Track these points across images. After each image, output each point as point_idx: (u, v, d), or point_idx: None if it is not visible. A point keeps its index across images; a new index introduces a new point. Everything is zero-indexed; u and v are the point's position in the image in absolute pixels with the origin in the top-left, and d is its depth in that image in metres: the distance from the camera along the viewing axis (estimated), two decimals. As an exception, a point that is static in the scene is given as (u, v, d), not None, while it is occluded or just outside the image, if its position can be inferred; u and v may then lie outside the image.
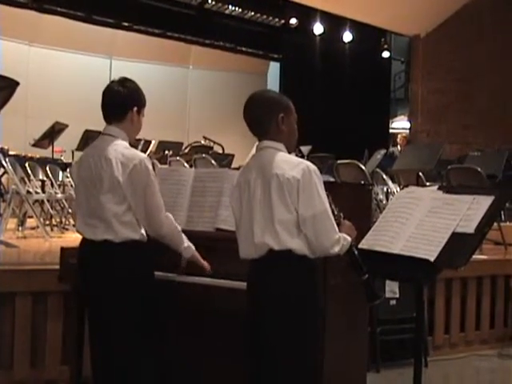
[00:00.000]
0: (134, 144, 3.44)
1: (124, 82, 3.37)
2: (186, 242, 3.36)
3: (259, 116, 2.96)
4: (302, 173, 2.79)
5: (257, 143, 3.00)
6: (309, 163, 2.85)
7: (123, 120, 3.33)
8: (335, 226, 2.85)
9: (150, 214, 3.21)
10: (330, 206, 2.89)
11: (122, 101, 3.33)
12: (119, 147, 3.24)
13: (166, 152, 10.13)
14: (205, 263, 3.40)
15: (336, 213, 2.96)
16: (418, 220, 3.12)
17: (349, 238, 2.90)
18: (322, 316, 2.97)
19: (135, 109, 3.35)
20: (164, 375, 3.43)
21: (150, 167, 3.24)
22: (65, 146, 10.56)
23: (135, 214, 3.20)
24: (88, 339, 3.46)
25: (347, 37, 15.25)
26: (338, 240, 2.83)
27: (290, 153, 2.97)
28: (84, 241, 3.33)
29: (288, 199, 2.79)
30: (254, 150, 3.03)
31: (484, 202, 3.02)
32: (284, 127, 2.95)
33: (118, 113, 3.33)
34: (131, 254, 3.23)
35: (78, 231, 3.40)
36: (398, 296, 5.39)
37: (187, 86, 16.23)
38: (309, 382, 2.87)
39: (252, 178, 2.90)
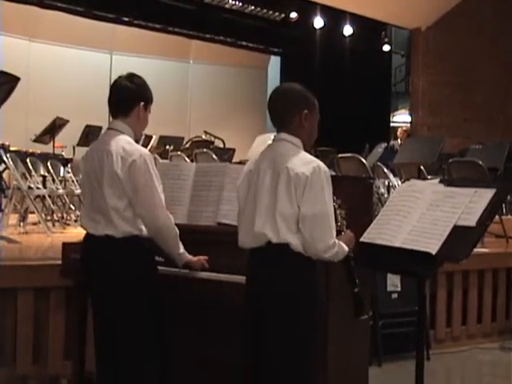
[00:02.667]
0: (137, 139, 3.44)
1: (132, 77, 3.38)
2: (182, 249, 3.33)
3: (284, 108, 2.95)
4: (312, 171, 2.77)
5: (259, 137, 3.01)
6: (321, 163, 2.83)
7: (129, 115, 3.33)
8: (333, 231, 2.82)
9: (149, 209, 3.19)
10: (335, 212, 2.88)
11: (129, 95, 3.34)
12: (121, 142, 3.24)
13: (167, 147, 10.14)
14: (199, 261, 3.39)
15: (340, 221, 2.95)
16: (420, 213, 3.12)
17: (345, 248, 2.87)
18: (320, 310, 2.96)
19: (142, 104, 3.35)
20: (167, 370, 3.44)
21: (151, 163, 3.22)
22: (66, 142, 10.56)
23: (134, 208, 3.19)
24: (90, 334, 3.46)
25: (347, 30, 15.23)
26: (333, 245, 2.80)
27: (306, 150, 2.94)
28: (87, 236, 3.34)
29: (293, 194, 2.78)
30: (255, 144, 3.03)
31: (485, 195, 3.01)
32: (306, 124, 2.94)
33: (124, 107, 3.34)
34: (132, 249, 3.22)
35: (81, 226, 3.40)
36: (399, 289, 5.40)
37: (188, 81, 16.21)
38: (307, 373, 2.87)
39: (263, 167, 2.89)
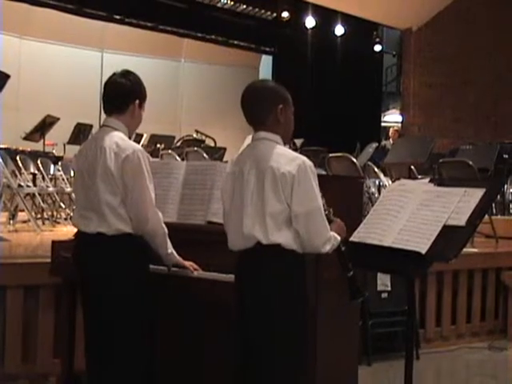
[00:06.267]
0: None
1: (127, 74, 3.35)
2: (170, 249, 3.30)
3: (258, 106, 2.92)
4: (297, 168, 2.75)
5: (248, 136, 2.99)
6: (305, 159, 2.81)
7: (124, 112, 3.30)
8: (327, 224, 2.82)
9: (137, 206, 3.16)
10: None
11: (124, 93, 3.31)
12: (115, 138, 3.21)
13: (158, 145, 10.13)
14: (189, 264, 3.38)
15: (326, 209, 2.94)
16: (410, 213, 3.12)
17: (338, 238, 2.87)
18: (310, 309, 2.96)
19: (137, 102, 3.33)
20: (158, 369, 3.43)
21: (144, 159, 3.19)
22: (56, 140, 10.53)
23: (124, 205, 3.17)
24: (79, 332, 3.45)
25: (339, 30, 15.28)
26: (330, 239, 2.81)
27: (285, 144, 2.93)
28: (78, 233, 3.31)
29: (281, 193, 2.76)
30: (245, 144, 3.00)
31: (475, 195, 3.02)
32: (282, 118, 2.91)
33: (119, 105, 3.30)
34: (124, 247, 3.20)
35: (73, 223, 3.38)
36: (389, 289, 5.40)
37: (179, 80, 16.19)
38: (298, 373, 2.86)
39: (246, 168, 2.86)
